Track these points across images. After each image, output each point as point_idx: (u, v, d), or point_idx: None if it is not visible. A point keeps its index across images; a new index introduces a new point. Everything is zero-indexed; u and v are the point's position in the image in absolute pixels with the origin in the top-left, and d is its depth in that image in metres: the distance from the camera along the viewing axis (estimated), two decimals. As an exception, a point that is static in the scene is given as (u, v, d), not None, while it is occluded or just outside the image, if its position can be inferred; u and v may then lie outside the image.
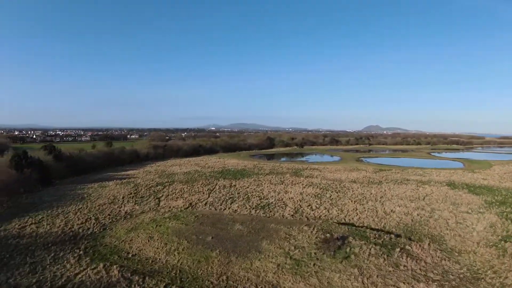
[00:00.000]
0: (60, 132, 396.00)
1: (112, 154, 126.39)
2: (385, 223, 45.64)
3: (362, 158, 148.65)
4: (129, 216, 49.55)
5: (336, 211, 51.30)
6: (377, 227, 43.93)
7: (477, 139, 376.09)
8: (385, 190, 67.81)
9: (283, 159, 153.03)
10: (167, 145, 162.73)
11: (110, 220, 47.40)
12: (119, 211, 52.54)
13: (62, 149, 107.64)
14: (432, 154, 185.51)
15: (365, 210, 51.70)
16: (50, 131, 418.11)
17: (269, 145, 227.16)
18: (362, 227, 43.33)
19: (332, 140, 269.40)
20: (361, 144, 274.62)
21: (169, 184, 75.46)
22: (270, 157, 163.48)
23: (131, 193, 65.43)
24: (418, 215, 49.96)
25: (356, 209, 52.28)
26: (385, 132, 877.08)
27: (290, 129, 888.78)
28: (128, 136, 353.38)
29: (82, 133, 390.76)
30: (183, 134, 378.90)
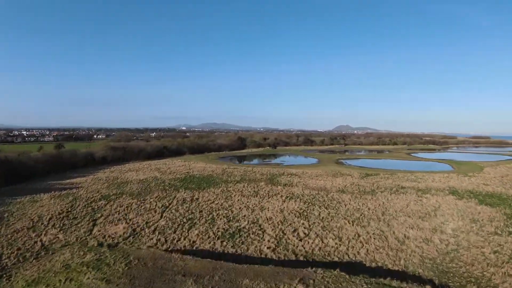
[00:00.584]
0: (24, 132, 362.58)
1: (60, 157, 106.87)
2: (405, 260, 32.16)
3: (342, 160, 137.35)
4: (43, 252, 33.76)
5: (332, 239, 37.31)
6: (396, 268, 30.44)
7: (451, 138, 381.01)
8: (383, 203, 54.91)
9: (255, 161, 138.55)
10: (128, 147, 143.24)
11: (16, 259, 31.92)
12: (35, 242, 36.68)
13: (6, 151, 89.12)
14: (412, 155, 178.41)
15: (370, 238, 38.07)
16: (15, 131, 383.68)
17: (240, 145, 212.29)
18: (377, 269, 29.69)
19: (306, 140, 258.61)
20: (336, 144, 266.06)
21: (116, 198, 58.85)
22: (242, 159, 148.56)
23: (62, 212, 48.81)
24: (441, 242, 37.11)
25: (359, 236, 38.56)
26: (355, 132, 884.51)
27: (262, 129, 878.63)
28: (95, 136, 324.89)
29: (47, 133, 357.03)
30: (152, 134, 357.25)
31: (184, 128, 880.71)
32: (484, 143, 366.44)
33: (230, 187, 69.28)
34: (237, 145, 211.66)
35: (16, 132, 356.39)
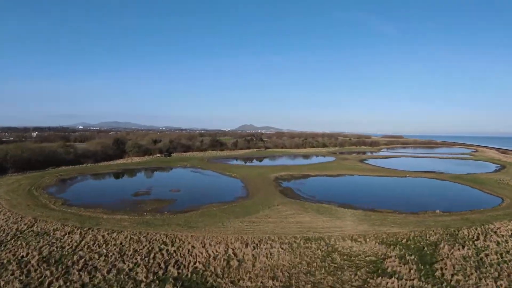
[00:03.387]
0: None
1: None
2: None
3: (288, 185, 79.80)
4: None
5: None
6: None
7: (367, 138, 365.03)
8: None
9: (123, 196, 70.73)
10: None
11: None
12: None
13: None
14: (366, 162, 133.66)
15: None
16: None
17: (116, 152, 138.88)
18: None
19: (213, 142, 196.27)
20: (254, 147, 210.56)
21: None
22: (96, 176, 79.02)
23: None
24: None
25: None
26: (259, 131, 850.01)
27: (164, 128, 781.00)
28: None
29: None
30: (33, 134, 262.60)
31: (81, 127, 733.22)
32: (412, 143, 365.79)
33: None
34: (112, 152, 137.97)
35: None
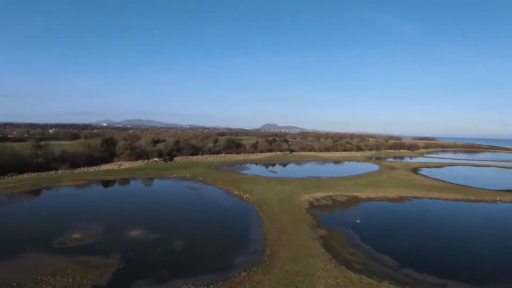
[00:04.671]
0: None
1: None
2: None
3: (332, 221, 47.11)
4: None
5: None
6: None
7: (397, 139, 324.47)
8: None
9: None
10: None
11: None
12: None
13: None
14: (420, 173, 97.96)
15: None
16: None
17: (105, 155, 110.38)
18: None
19: (229, 144, 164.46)
20: (278, 150, 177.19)
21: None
22: (34, 194, 48.26)
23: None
24: None
25: None
26: (282, 130, 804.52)
27: (187, 126, 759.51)
28: None
29: None
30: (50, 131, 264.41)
31: (104, 124, 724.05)
32: (452, 146, 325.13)
33: None
34: (100, 154, 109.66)
35: None
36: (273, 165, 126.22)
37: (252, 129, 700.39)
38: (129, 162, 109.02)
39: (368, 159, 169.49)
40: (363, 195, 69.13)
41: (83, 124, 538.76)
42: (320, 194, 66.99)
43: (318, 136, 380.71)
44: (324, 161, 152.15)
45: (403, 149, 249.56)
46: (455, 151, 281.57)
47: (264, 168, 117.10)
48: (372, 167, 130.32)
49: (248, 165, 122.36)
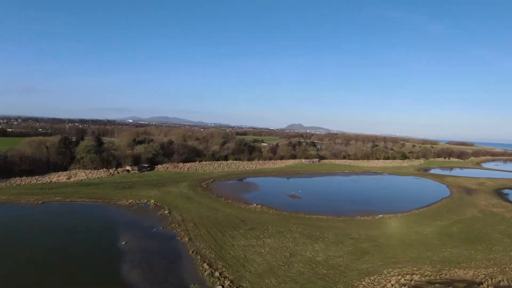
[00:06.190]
0: None
1: None
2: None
3: None
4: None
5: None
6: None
7: (434, 144, 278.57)
8: None
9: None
10: None
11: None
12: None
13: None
14: None
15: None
16: None
17: (63, 159, 78.44)
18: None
19: (241, 147, 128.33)
20: (303, 157, 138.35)
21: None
22: None
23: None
24: None
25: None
26: (308, 131, 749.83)
27: (212, 125, 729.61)
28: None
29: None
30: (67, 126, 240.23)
31: (130, 121, 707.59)
32: (502, 154, 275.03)
33: None
34: (55, 157, 78.16)
35: None
36: (295, 182, 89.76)
37: (277, 129, 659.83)
38: (87, 172, 76.07)
39: (420, 171, 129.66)
40: (475, 277, 31.47)
41: (107, 120, 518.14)
42: (396, 282, 30.00)
43: (347, 138, 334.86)
44: (366, 173, 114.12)
45: (453, 157, 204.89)
46: (505, 160, 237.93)
47: (281, 186, 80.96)
48: (438, 187, 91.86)
49: (258, 180, 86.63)
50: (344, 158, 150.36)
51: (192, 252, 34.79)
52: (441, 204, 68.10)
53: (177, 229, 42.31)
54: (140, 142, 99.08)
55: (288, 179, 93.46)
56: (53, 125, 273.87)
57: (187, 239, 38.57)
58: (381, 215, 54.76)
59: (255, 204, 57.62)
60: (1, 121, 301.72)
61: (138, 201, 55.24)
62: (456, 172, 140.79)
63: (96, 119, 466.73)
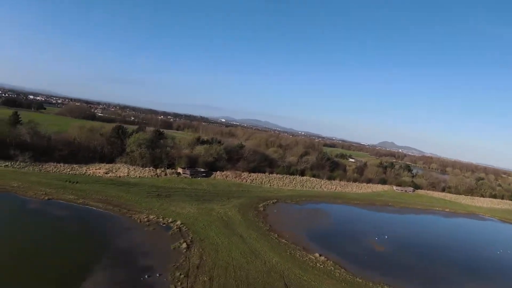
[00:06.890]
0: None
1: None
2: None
3: None
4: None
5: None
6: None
7: None
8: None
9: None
10: None
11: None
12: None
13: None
14: None
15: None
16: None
17: (112, 150, 69.85)
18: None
19: (322, 162, 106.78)
20: (394, 183, 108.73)
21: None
22: None
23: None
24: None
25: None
26: (400, 150, 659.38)
27: (303, 133, 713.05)
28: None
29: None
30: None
31: (223, 120, 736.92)
32: None
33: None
34: (104, 147, 70.05)
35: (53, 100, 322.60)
36: (382, 218, 66.04)
37: (368, 145, 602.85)
38: (131, 168, 64.96)
39: None
40: None
41: (201, 116, 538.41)
42: None
43: (443, 164, 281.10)
44: (470, 216, 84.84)
45: None
46: None
47: (363, 223, 58.50)
48: None
49: (334, 209, 65.28)
50: (443, 190, 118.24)
51: None
52: None
53: (180, 284, 25.17)
54: (203, 142, 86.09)
55: (371, 221, 69.49)
56: (146, 115, 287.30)
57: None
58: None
59: (317, 254, 37.26)
60: (100, 106, 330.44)
61: (160, 219, 40.12)
62: None
63: (190, 115, 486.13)
